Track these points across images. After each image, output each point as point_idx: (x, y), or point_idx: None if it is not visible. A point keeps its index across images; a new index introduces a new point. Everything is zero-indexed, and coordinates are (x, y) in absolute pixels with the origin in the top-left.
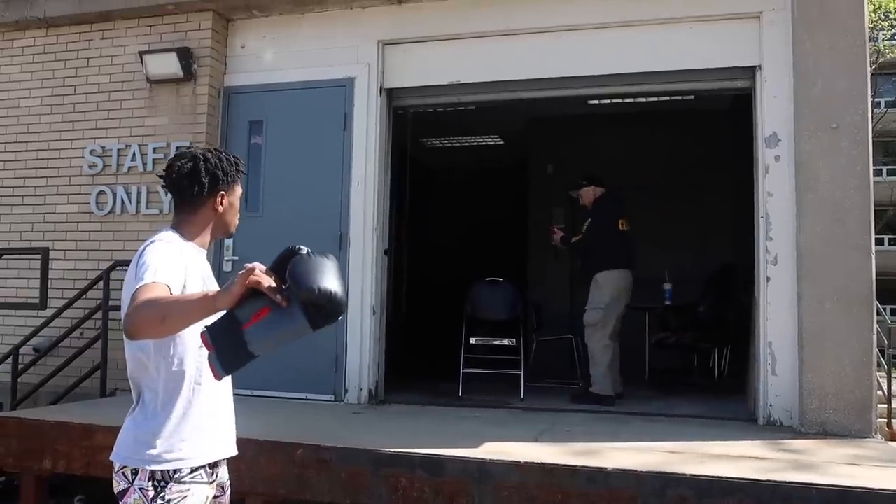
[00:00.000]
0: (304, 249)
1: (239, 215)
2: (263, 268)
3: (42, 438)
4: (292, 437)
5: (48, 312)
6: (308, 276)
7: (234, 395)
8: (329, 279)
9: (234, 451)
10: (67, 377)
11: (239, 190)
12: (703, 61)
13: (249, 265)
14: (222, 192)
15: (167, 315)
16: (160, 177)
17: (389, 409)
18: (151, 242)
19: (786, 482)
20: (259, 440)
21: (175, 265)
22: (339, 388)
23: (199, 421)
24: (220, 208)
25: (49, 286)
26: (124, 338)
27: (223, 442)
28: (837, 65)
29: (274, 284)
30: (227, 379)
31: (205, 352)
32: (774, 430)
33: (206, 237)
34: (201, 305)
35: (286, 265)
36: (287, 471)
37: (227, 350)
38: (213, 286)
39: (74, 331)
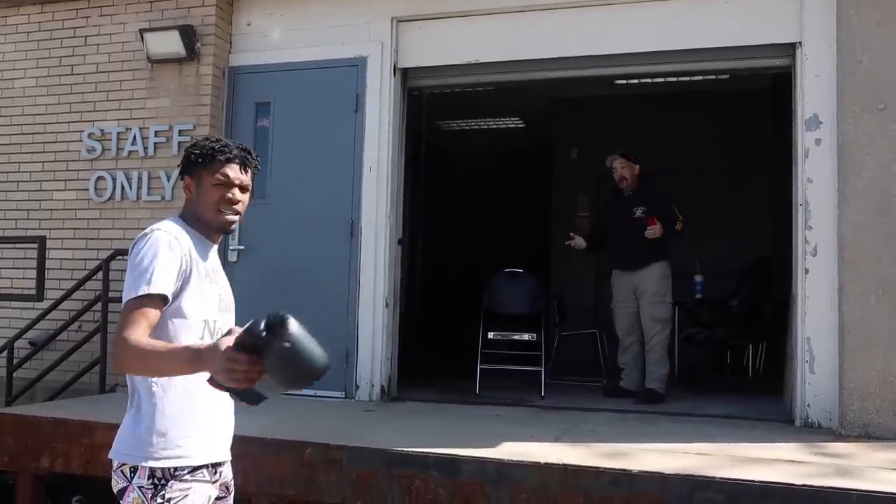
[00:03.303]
0: (280, 328)
1: (236, 208)
2: (245, 359)
3: (39, 436)
4: (300, 435)
5: (45, 304)
6: (286, 375)
7: None
8: (306, 373)
9: (229, 455)
10: (65, 372)
11: (213, 179)
12: (739, 38)
13: (224, 346)
14: (186, 176)
15: (157, 370)
16: None
17: (403, 407)
18: (150, 231)
19: (824, 487)
20: (266, 439)
21: (171, 261)
22: (349, 385)
23: (199, 417)
24: (187, 193)
25: (46, 276)
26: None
27: (225, 442)
28: (886, 40)
29: (256, 381)
30: None
31: (207, 342)
32: (812, 432)
33: (199, 225)
34: (191, 369)
35: (262, 340)
36: (295, 471)
37: (239, 392)
38: (220, 279)
39: (72, 323)
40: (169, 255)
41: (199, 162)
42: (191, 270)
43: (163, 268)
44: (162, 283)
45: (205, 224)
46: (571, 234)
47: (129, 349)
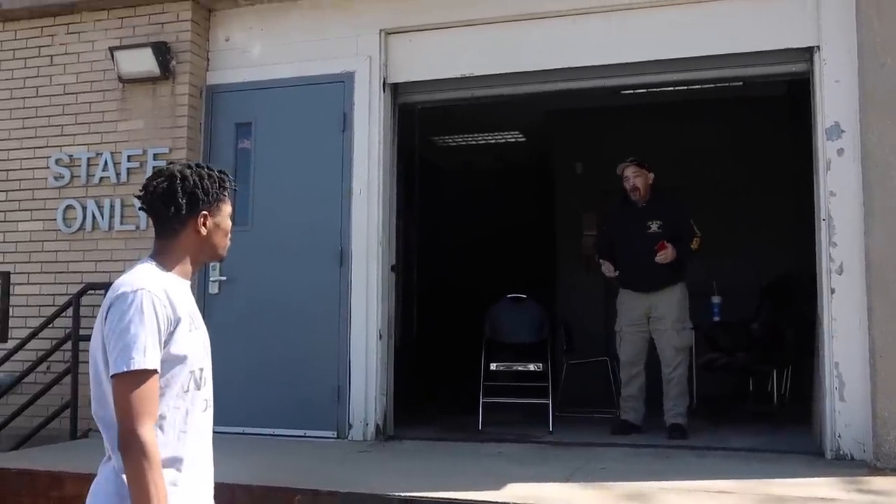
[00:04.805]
0: None
1: (230, 236)
2: None
3: (2, 489)
4: (288, 481)
5: (10, 344)
6: None
7: (222, 433)
8: None
9: None
10: (32, 417)
11: (227, 209)
12: (751, 43)
13: None
14: (204, 213)
15: (141, 488)
16: (137, 197)
17: (400, 447)
18: (133, 292)
19: None
20: (251, 486)
21: (157, 328)
22: (342, 424)
23: (187, 472)
24: (204, 231)
25: (11, 314)
26: (90, 370)
27: (209, 493)
28: None
29: None
30: (209, 425)
31: (191, 395)
32: (845, 465)
33: (188, 265)
34: None
35: None
36: None
37: None
38: (200, 322)
39: (40, 364)
40: (156, 320)
41: (218, 196)
42: (176, 326)
43: (153, 336)
44: (153, 357)
45: (204, 260)
46: (600, 260)
47: (143, 461)
